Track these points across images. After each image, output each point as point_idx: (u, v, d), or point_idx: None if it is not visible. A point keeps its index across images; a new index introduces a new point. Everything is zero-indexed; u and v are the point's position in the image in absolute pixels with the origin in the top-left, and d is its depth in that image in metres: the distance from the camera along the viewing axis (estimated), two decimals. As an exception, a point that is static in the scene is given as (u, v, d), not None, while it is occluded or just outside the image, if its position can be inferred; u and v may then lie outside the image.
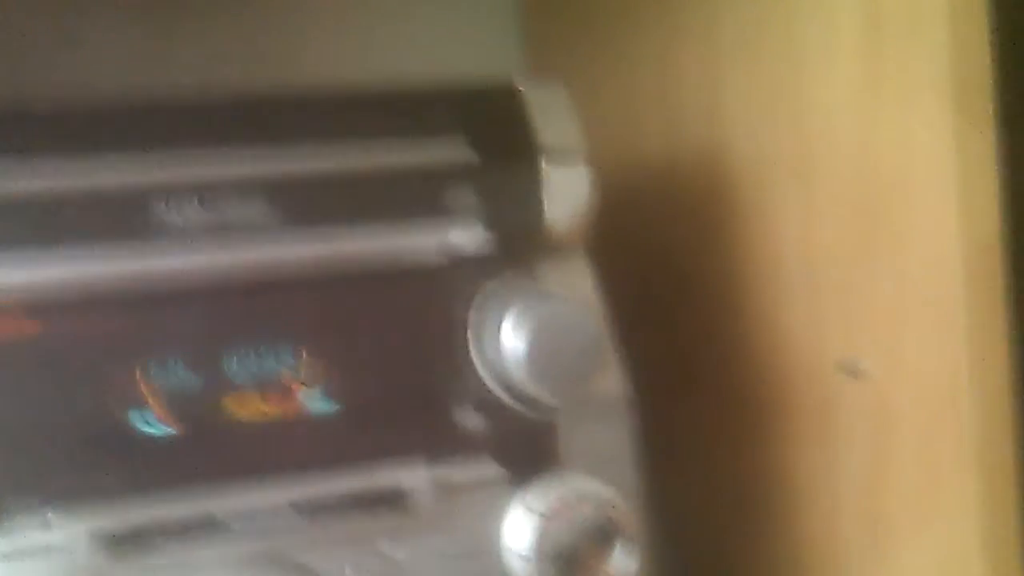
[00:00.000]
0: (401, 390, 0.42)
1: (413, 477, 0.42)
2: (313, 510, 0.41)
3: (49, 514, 0.38)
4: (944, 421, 0.42)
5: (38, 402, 0.38)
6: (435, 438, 0.42)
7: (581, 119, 0.45)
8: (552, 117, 0.44)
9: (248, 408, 0.41)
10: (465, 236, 0.42)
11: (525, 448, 0.43)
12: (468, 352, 0.42)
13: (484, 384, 0.42)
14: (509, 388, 0.42)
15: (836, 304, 0.47)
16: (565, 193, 0.44)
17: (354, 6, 0.69)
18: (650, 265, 0.56)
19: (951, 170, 0.41)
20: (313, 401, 0.41)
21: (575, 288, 0.44)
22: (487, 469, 0.43)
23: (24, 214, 0.38)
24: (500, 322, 0.41)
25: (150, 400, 0.39)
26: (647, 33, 0.58)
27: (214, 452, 0.40)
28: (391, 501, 0.41)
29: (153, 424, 0.40)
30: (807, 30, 0.47)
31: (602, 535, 0.43)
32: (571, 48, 0.65)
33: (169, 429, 0.40)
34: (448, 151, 0.43)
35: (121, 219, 0.39)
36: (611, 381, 0.44)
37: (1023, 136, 0.43)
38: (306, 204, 0.41)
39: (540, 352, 0.41)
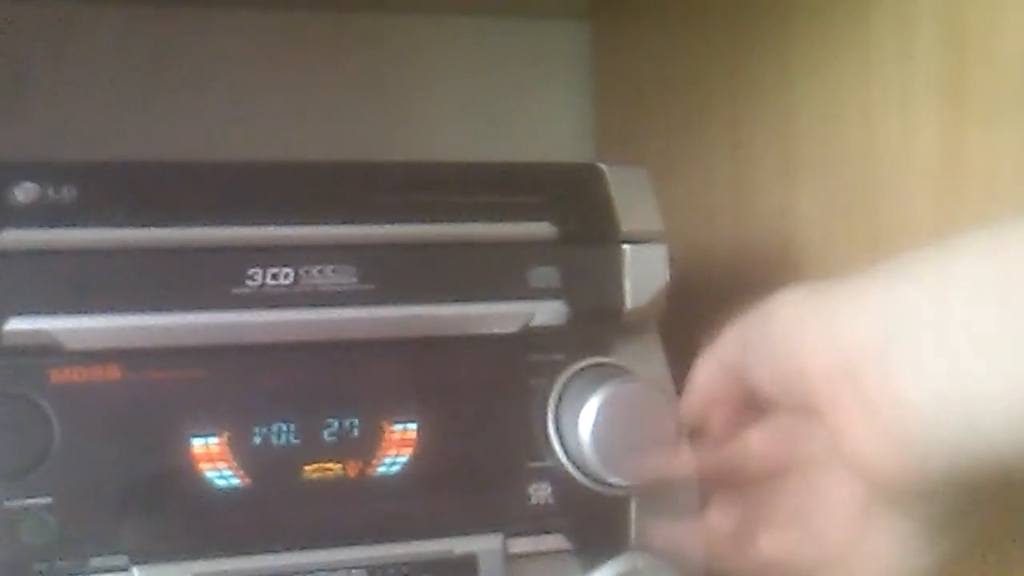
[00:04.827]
0: (479, 461, 0.43)
1: (486, 546, 0.42)
2: (386, 574, 0.41)
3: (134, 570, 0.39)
4: None
5: (118, 445, 0.39)
6: (509, 509, 0.43)
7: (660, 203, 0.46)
8: (633, 199, 0.46)
9: (326, 470, 0.41)
10: (546, 312, 0.43)
11: (595, 525, 0.44)
12: (547, 430, 0.43)
13: (560, 461, 0.43)
14: (583, 468, 0.43)
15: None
16: (644, 273, 0.45)
17: (439, 94, 0.72)
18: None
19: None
20: (391, 466, 0.42)
21: (649, 367, 0.45)
22: (557, 543, 0.43)
23: (124, 270, 0.39)
24: (580, 407, 0.42)
25: (226, 455, 0.40)
26: (721, 124, 0.59)
27: (290, 512, 0.41)
28: (463, 569, 0.42)
29: (227, 479, 0.40)
30: (884, 128, 0.47)
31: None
32: (643, 138, 0.67)
33: (244, 486, 0.40)
34: (532, 229, 0.44)
35: (215, 281, 0.40)
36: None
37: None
38: (394, 275, 0.42)
39: (614, 438, 0.42)
